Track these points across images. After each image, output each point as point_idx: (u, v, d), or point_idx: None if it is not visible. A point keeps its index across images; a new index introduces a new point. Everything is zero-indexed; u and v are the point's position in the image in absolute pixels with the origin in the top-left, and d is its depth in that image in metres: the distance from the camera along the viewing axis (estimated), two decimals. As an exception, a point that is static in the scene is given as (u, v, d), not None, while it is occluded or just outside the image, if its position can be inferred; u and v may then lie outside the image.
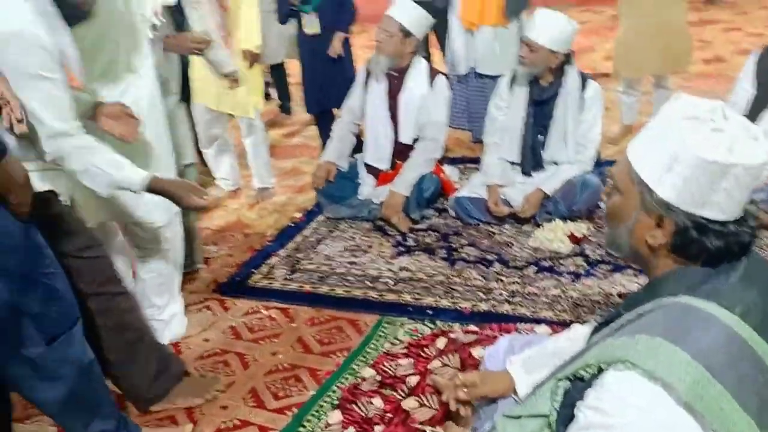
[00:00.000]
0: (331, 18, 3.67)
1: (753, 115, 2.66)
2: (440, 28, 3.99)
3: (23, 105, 1.62)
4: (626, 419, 0.93)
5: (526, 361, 1.55)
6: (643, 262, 1.18)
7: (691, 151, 1.02)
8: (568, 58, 2.99)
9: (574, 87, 3.00)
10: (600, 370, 1.00)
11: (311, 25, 3.68)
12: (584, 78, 3.04)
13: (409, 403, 2.02)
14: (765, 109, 2.69)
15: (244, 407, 2.14)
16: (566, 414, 1.06)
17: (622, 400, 0.95)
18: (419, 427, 1.93)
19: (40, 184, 1.80)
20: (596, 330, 1.24)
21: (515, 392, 1.52)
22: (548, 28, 2.89)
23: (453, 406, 1.61)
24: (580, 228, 2.96)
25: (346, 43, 3.82)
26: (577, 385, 1.06)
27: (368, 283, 2.77)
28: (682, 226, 1.07)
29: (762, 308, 1.04)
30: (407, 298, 2.64)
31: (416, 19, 3.19)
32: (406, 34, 3.17)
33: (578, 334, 1.53)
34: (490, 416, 1.53)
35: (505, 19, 3.58)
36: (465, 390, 1.57)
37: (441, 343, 2.29)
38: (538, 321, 2.39)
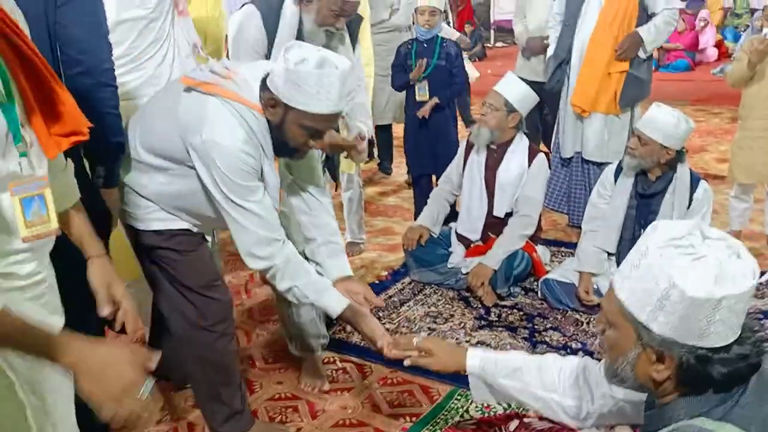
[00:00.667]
0: (440, 87, 3.78)
1: None
2: (553, 110, 4.02)
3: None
4: None
5: (487, 359, 1.67)
6: (650, 392, 1.14)
7: (679, 290, 1.00)
8: (679, 156, 2.92)
9: (683, 185, 2.91)
10: None
11: (422, 92, 3.81)
12: (695, 177, 2.96)
13: (473, 482, 1.96)
14: None
15: (307, 456, 2.14)
16: None
17: None
18: None
19: (177, 222, 1.94)
20: None
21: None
22: (662, 123, 2.83)
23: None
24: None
25: (452, 114, 3.91)
26: None
27: (445, 352, 2.73)
28: (685, 360, 1.03)
29: None
30: (483, 373, 2.58)
31: (522, 96, 3.24)
32: (511, 109, 3.22)
33: (549, 363, 1.61)
34: None
35: (618, 109, 3.56)
36: (418, 353, 1.79)
37: (513, 425, 2.20)
38: (618, 420, 2.27)
